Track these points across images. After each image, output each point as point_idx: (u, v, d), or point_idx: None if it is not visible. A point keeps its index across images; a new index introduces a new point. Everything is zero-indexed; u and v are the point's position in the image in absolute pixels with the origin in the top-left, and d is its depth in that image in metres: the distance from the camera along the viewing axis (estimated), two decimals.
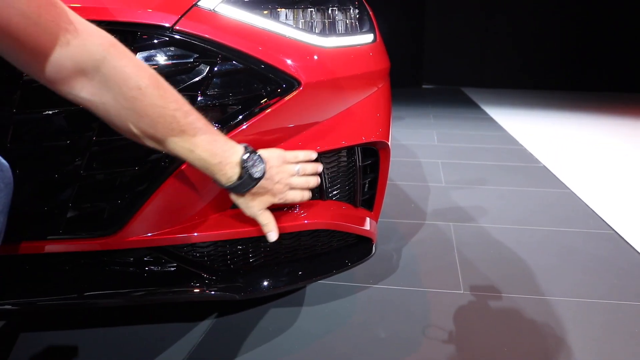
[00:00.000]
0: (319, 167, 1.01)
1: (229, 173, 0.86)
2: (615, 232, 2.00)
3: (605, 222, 2.10)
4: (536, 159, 3.17)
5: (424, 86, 7.72)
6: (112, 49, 0.74)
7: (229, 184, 0.87)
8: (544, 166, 2.99)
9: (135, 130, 0.78)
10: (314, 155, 1.01)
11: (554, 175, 2.79)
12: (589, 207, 2.28)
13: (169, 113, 0.78)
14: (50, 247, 0.91)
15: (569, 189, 2.55)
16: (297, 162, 0.98)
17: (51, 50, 0.68)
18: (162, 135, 0.79)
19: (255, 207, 0.93)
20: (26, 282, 0.96)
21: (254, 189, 0.89)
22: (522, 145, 3.53)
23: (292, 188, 0.96)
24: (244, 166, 0.86)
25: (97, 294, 0.96)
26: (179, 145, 0.81)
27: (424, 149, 3.38)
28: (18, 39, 0.65)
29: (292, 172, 0.96)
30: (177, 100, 0.80)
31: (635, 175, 2.87)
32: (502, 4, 7.44)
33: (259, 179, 0.88)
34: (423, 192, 2.44)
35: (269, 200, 0.93)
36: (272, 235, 0.95)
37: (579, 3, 7.20)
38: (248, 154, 0.87)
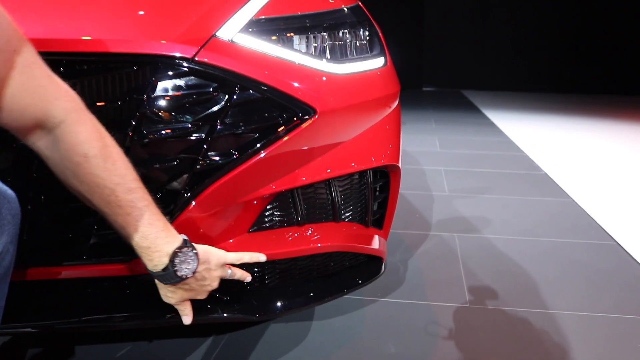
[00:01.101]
0: (247, 277, 1.00)
1: (156, 261, 0.85)
2: (617, 243, 2.03)
3: (607, 232, 2.13)
4: (537, 166, 3.20)
5: (424, 88, 7.75)
6: (73, 114, 0.77)
7: (153, 271, 0.86)
8: (546, 174, 3.02)
9: (75, 191, 0.81)
10: (262, 258, 1.00)
11: (556, 183, 2.82)
12: (591, 217, 2.31)
13: (109, 186, 0.79)
14: (74, 272, 0.93)
15: (570, 198, 2.58)
16: (238, 264, 0.97)
17: (16, 106, 0.73)
18: (97, 204, 0.80)
19: (173, 299, 0.92)
20: (47, 304, 0.98)
21: (178, 284, 0.89)
22: (523, 152, 3.56)
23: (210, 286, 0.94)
24: (172, 260, 0.85)
25: (116, 316, 0.98)
26: (112, 219, 0.82)
27: (426, 155, 3.40)
28: None
29: (223, 276, 0.95)
30: (124, 176, 0.80)
31: (636, 181, 2.90)
32: (502, 5, 7.46)
33: (183, 277, 0.87)
34: (427, 202, 2.47)
35: (188, 295, 0.93)
36: (187, 320, 0.95)
37: (580, 4, 7.22)
38: (182, 249, 0.85)
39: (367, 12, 1.39)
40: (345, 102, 1.05)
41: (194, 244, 0.88)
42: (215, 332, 1.36)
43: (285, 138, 0.97)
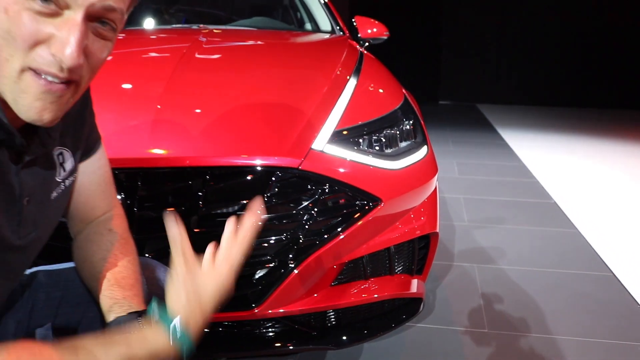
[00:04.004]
0: None
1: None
2: (614, 274, 2.38)
3: (605, 264, 2.48)
4: (548, 194, 3.55)
5: (440, 102, 8.08)
6: (119, 218, 1.01)
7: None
8: (555, 202, 3.37)
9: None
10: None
11: (563, 213, 3.17)
12: (592, 248, 2.66)
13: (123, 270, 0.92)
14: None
15: (576, 228, 2.93)
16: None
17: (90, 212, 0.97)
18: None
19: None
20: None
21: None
22: (535, 178, 3.91)
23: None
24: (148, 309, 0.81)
25: (232, 350, 1.37)
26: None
27: (447, 182, 3.76)
28: None
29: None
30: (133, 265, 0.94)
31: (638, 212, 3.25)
32: (518, 19, 7.73)
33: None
34: (450, 231, 2.84)
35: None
36: None
37: (598, 17, 7.44)
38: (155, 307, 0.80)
39: (409, 97, 1.77)
40: (402, 190, 1.42)
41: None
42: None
43: (359, 222, 1.35)
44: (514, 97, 7.93)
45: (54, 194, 0.82)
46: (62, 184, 0.84)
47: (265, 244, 1.29)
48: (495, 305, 2.10)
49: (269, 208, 1.29)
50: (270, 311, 1.34)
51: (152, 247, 1.26)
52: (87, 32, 0.63)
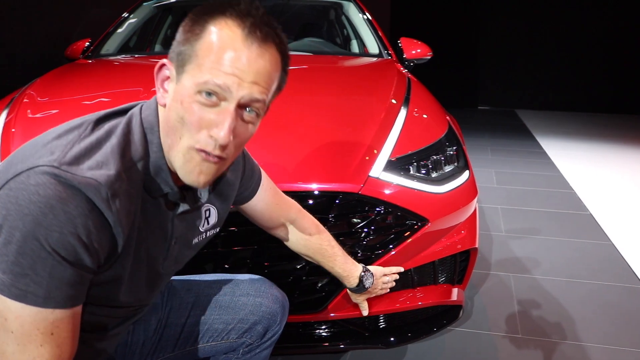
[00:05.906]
0: (396, 276, 1.55)
1: (352, 282, 1.42)
2: None
3: (637, 276, 2.62)
4: (584, 205, 3.67)
5: (479, 107, 8.17)
6: (299, 213, 1.36)
7: (350, 287, 1.44)
8: (590, 214, 3.50)
9: (303, 254, 1.39)
10: (401, 269, 1.56)
11: (598, 225, 3.30)
12: (625, 260, 2.80)
13: (324, 247, 1.37)
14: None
15: (610, 241, 3.06)
16: (391, 274, 1.53)
17: (276, 221, 1.33)
18: (317, 258, 1.38)
19: (360, 299, 1.49)
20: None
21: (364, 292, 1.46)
22: (572, 189, 4.02)
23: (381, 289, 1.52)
24: (361, 279, 1.42)
25: (297, 345, 1.60)
26: (324, 264, 1.38)
27: (485, 191, 3.91)
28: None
29: (385, 282, 1.51)
30: (329, 240, 1.38)
31: None
32: (559, 22, 7.73)
33: (368, 287, 1.44)
34: (487, 241, 3.01)
35: (367, 296, 1.49)
36: (365, 312, 1.53)
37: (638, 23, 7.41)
38: (364, 272, 1.42)
39: (452, 122, 1.96)
40: (446, 212, 1.62)
41: (367, 267, 1.45)
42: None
43: (409, 240, 1.56)
44: (553, 103, 7.95)
45: (195, 240, 1.09)
46: (204, 233, 1.10)
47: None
48: (529, 312, 2.27)
49: (331, 226, 1.51)
50: (332, 314, 1.57)
51: (231, 260, 1.50)
52: (236, 117, 0.86)
